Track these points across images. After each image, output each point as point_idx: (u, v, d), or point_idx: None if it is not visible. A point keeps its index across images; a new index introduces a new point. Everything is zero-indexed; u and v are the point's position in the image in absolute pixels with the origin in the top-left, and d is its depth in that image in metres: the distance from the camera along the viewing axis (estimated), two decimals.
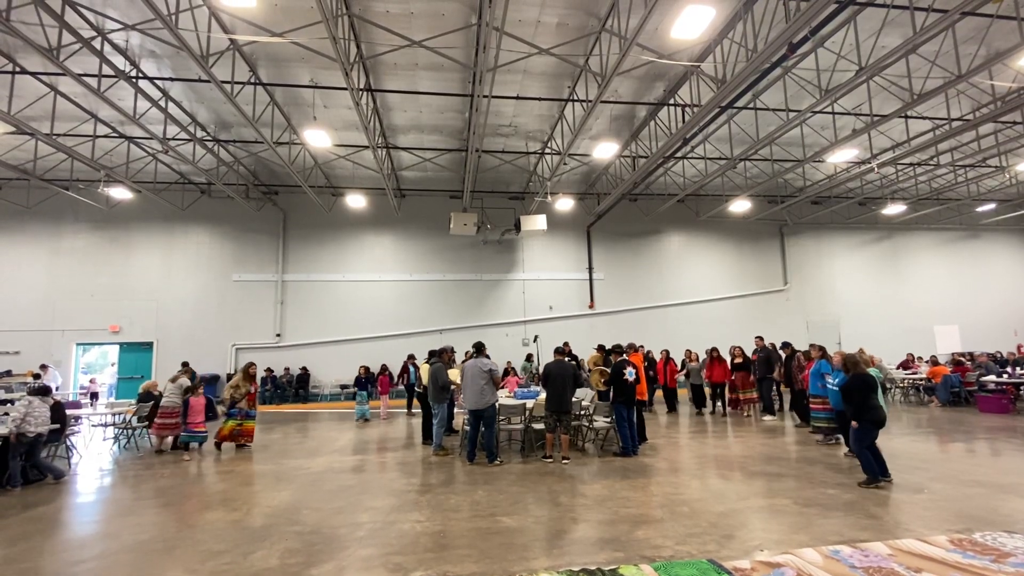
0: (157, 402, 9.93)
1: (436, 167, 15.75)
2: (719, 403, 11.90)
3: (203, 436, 8.73)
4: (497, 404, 7.43)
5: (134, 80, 9.47)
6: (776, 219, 19.34)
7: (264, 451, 8.62)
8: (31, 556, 4.29)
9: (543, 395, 7.70)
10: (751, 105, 11.89)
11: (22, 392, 10.58)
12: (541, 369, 11.21)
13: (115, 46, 9.37)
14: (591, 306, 18.18)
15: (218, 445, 8.84)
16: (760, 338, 11.53)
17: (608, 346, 9.30)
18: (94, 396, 13.68)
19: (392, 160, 15.09)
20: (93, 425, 10.77)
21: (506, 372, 15.61)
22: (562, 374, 7.24)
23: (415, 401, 12.30)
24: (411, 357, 13.05)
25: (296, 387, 16.16)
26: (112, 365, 16.64)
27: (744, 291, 19.12)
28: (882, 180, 17.31)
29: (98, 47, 8.82)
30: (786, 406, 11.42)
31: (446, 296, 17.55)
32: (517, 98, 11.64)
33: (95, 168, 12.37)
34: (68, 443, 8.00)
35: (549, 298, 18.05)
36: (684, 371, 12.85)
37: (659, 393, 13.23)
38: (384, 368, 13.95)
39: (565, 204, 16.77)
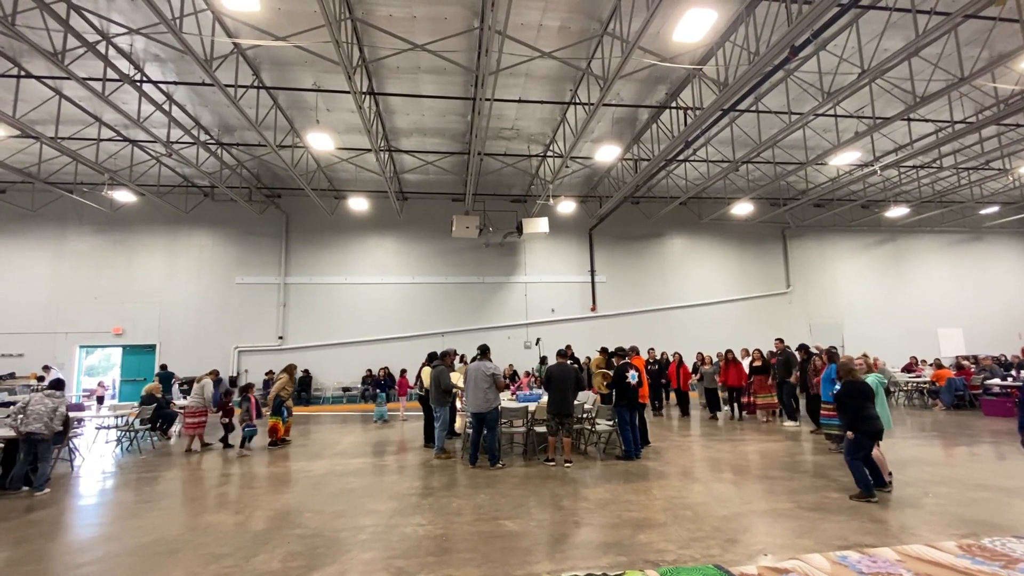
0: (160, 405, 9.98)
1: (438, 170, 15.78)
2: (735, 407, 11.63)
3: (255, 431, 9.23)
4: (500, 407, 7.42)
5: (138, 84, 9.51)
6: (779, 222, 19.32)
7: (266, 454, 8.62)
8: (34, 559, 4.28)
9: (545, 398, 7.68)
10: (753, 108, 11.89)
11: (25, 394, 10.60)
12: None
13: (120, 50, 9.43)
14: (593, 309, 18.16)
15: (275, 443, 9.22)
16: (780, 340, 11.12)
17: (611, 349, 9.29)
18: (100, 400, 13.66)
19: (394, 163, 15.12)
20: (97, 428, 10.78)
21: (513, 375, 15.59)
22: (564, 377, 7.23)
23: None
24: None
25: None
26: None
27: (747, 294, 19.08)
28: (885, 183, 17.28)
29: (103, 51, 8.87)
30: (802, 410, 11.29)
31: (448, 299, 17.56)
32: (519, 101, 11.66)
33: (99, 171, 12.43)
34: (71, 445, 8.01)
35: (551, 301, 18.04)
36: (698, 375, 12.62)
37: (672, 397, 13.15)
38: (403, 371, 13.97)
39: (567, 207, 16.78)
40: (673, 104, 11.86)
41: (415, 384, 13.64)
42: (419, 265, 17.63)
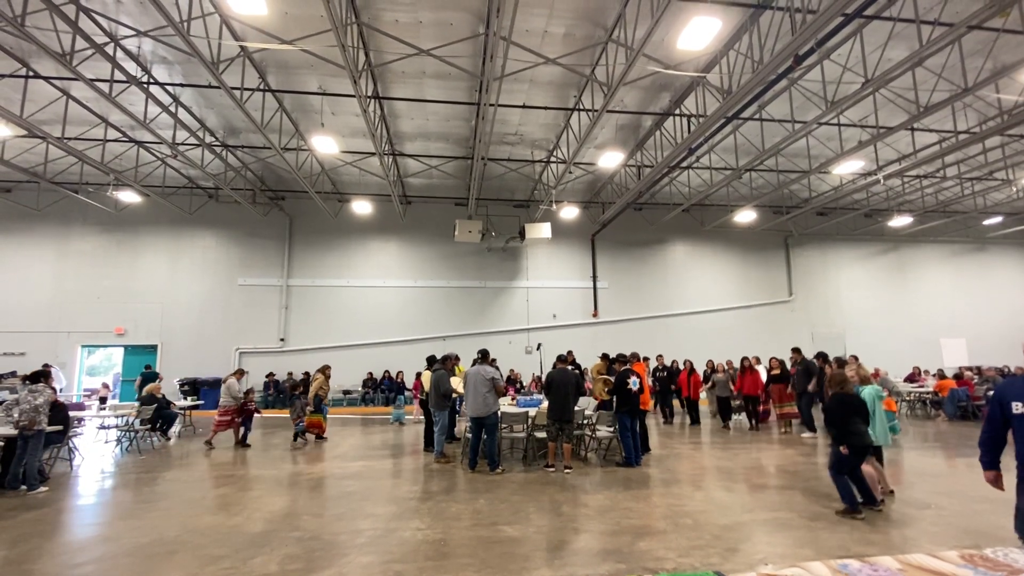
0: (160, 405, 9.99)
1: (442, 174, 15.83)
2: (753, 418, 11.12)
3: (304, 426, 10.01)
4: (499, 412, 7.40)
5: (145, 86, 9.59)
6: (781, 230, 19.30)
7: (265, 455, 8.60)
8: (31, 558, 4.27)
9: (545, 403, 7.66)
10: (757, 116, 11.91)
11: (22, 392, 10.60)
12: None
13: (127, 52, 9.51)
14: (595, 315, 18.14)
15: (320, 437, 10.02)
16: (797, 350, 10.82)
17: (612, 355, 9.26)
18: (103, 400, 13.63)
19: (398, 167, 15.18)
20: (98, 427, 10.79)
21: (510, 380, 15.57)
22: (565, 382, 7.21)
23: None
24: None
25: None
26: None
27: (749, 302, 19.04)
28: (888, 192, 17.28)
29: (111, 53, 8.94)
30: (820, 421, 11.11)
31: (450, 303, 17.57)
32: (523, 107, 11.71)
33: (104, 172, 12.50)
34: (71, 444, 8.01)
35: (553, 306, 18.03)
36: (710, 383, 12.26)
37: (674, 405, 13.01)
38: (418, 374, 13.99)
39: (570, 212, 16.81)
40: (677, 111, 11.89)
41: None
42: (421, 269, 17.66)
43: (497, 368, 8.35)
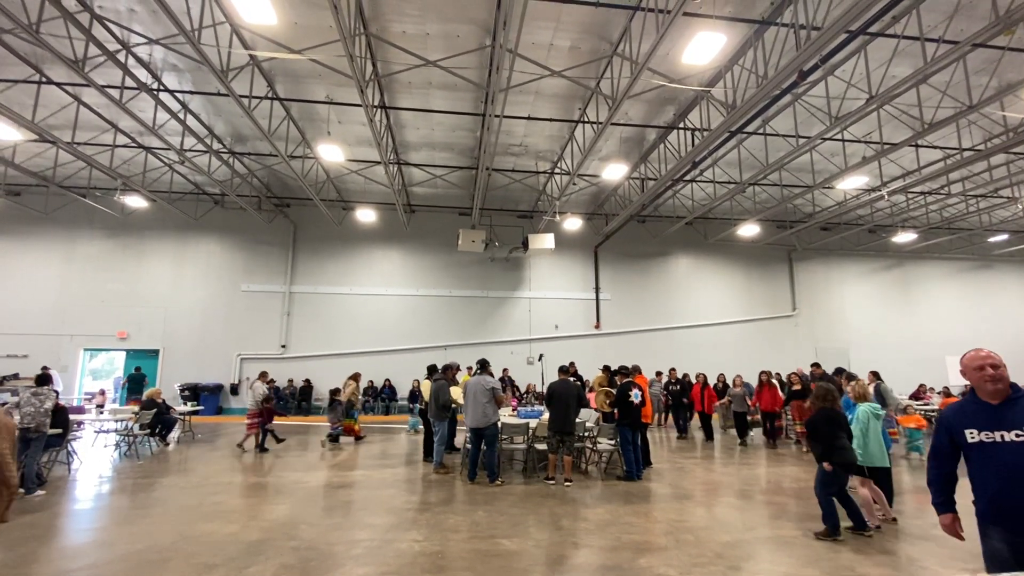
0: (160, 410, 9.96)
1: (446, 184, 15.91)
2: (770, 435, 10.72)
3: (341, 430, 10.80)
4: (499, 423, 7.35)
5: (155, 93, 9.70)
6: (785, 244, 19.28)
7: (263, 463, 8.55)
8: (26, 562, 4.24)
9: (546, 415, 7.61)
10: (761, 130, 11.96)
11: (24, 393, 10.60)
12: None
13: (139, 59, 9.63)
14: (597, 326, 18.09)
15: (358, 438, 10.91)
16: (816, 365, 10.56)
17: (614, 367, 9.21)
18: (100, 408, 13.59)
19: (403, 176, 15.26)
20: (96, 431, 10.76)
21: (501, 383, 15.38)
22: (566, 394, 7.16)
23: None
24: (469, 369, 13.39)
25: (299, 399, 16.11)
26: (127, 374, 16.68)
27: (752, 315, 18.96)
28: (892, 208, 17.26)
29: (122, 60, 9.06)
30: None
31: (452, 312, 17.55)
32: (528, 118, 11.79)
33: (112, 176, 12.62)
34: (69, 448, 7.98)
35: (555, 317, 17.99)
36: (726, 397, 11.92)
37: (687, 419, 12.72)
38: (417, 383, 13.91)
39: (573, 224, 16.83)
40: (681, 125, 11.95)
41: (409, 397, 13.60)
42: (424, 277, 17.67)
43: (510, 381, 8.29)
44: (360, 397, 11.24)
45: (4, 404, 9.98)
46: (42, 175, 12.86)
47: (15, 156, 13.35)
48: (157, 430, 9.97)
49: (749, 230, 17.00)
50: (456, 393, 8.37)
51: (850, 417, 5.42)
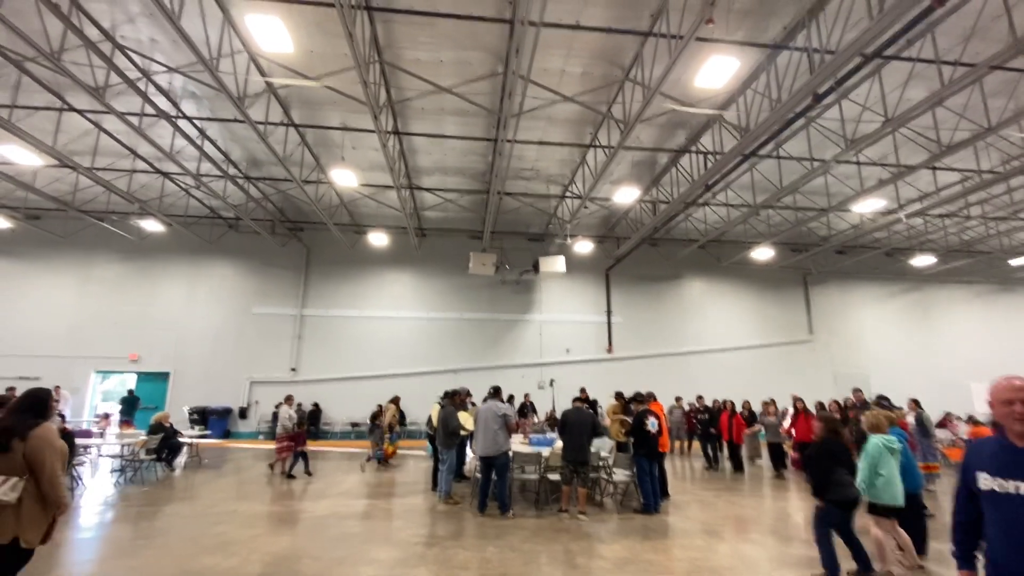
0: (167, 435, 9.85)
1: (457, 208, 15.96)
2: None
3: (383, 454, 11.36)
4: (511, 452, 7.12)
5: (174, 119, 9.89)
6: (800, 268, 18.98)
7: (268, 491, 8.35)
8: None
9: (559, 443, 7.37)
10: (774, 154, 11.86)
11: None
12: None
13: (158, 87, 9.85)
14: (609, 350, 17.80)
15: (385, 461, 11.26)
16: (859, 390, 9.95)
17: (627, 393, 8.96)
18: (101, 435, 13.49)
19: (415, 200, 15.35)
20: (99, 455, 10.65)
21: (523, 408, 15.04)
22: (580, 422, 6.94)
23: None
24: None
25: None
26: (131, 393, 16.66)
27: (767, 340, 18.57)
28: (910, 231, 16.97)
29: (143, 88, 9.27)
30: None
31: (462, 335, 17.40)
32: (540, 143, 11.83)
33: (130, 201, 12.81)
34: (73, 473, 7.87)
35: (566, 340, 17.76)
36: (756, 425, 11.41)
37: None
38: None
39: (584, 247, 16.75)
40: (693, 148, 11.91)
41: (426, 423, 13.31)
42: (434, 300, 17.60)
43: (531, 407, 8.07)
44: (398, 421, 11.76)
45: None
46: (61, 200, 13.10)
47: (36, 181, 13.65)
48: (164, 455, 9.85)
49: (763, 253, 16.78)
50: (465, 419, 8.17)
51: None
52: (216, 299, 16.74)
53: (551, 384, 15.57)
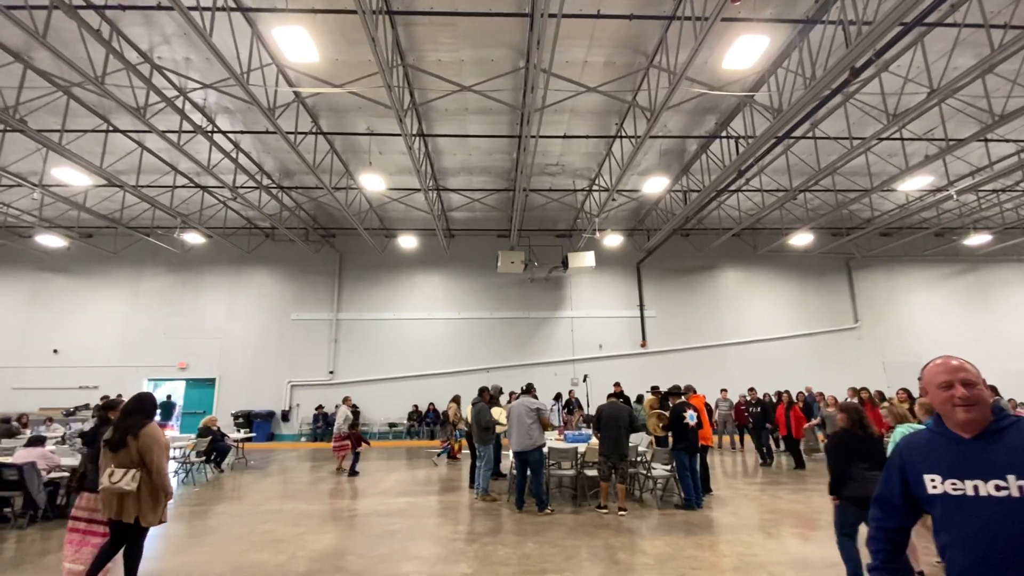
0: (215, 437, 10.25)
1: (484, 207, 16.01)
2: None
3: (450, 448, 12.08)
4: (545, 448, 7.07)
5: (210, 134, 10.27)
6: (842, 252, 18.19)
7: (312, 489, 8.57)
8: None
9: (595, 439, 7.28)
10: (810, 134, 11.40)
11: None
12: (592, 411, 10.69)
13: (194, 104, 10.25)
14: (643, 345, 17.51)
15: (453, 457, 11.98)
16: (905, 390, 9.02)
17: (663, 388, 8.77)
18: None
19: (442, 201, 15.48)
20: None
21: (569, 404, 14.95)
22: (616, 417, 6.83)
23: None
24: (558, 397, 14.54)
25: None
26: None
27: (810, 329, 17.88)
28: (961, 209, 16.03)
29: (179, 105, 9.66)
30: None
31: (493, 334, 17.45)
32: (564, 137, 11.73)
33: (173, 215, 13.39)
34: None
35: (598, 336, 17.57)
36: (817, 419, 10.85)
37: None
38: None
39: (614, 240, 16.52)
40: (724, 133, 11.57)
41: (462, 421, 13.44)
42: (465, 301, 17.72)
43: (577, 402, 8.01)
44: (461, 418, 12.01)
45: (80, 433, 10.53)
46: (111, 217, 13.81)
47: (87, 200, 14.43)
48: (212, 457, 10.25)
49: (802, 239, 16.14)
50: (498, 415, 8.18)
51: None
52: (256, 307, 17.32)
53: (584, 380, 15.42)
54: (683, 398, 7.43)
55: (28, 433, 9.72)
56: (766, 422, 11.28)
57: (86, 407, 14.93)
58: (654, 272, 18.10)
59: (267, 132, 11.32)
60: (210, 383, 16.75)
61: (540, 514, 6.66)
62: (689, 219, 16.57)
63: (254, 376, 16.67)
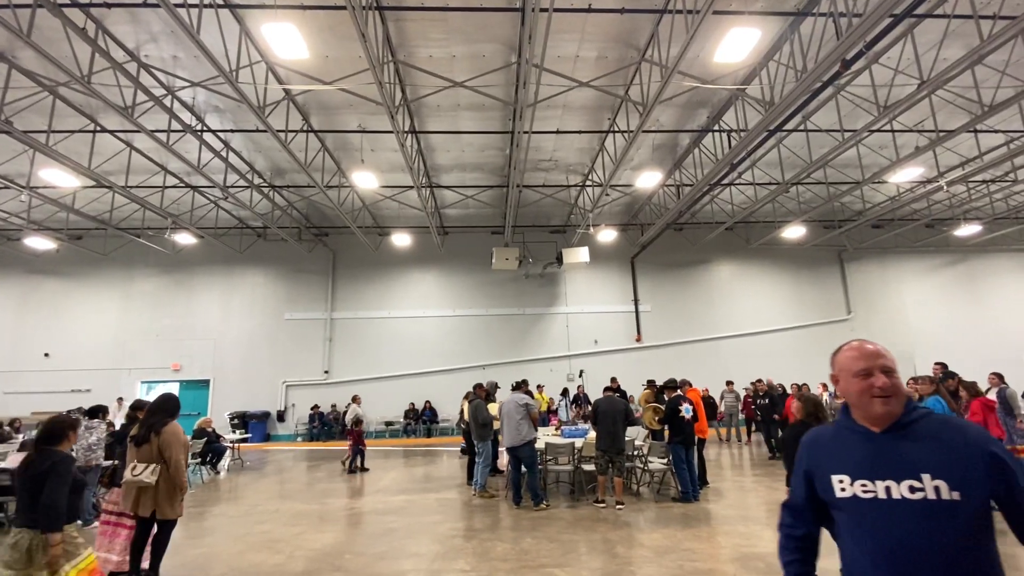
0: (210, 439, 10.19)
1: (478, 204, 15.97)
2: None
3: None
4: (536, 443, 7.08)
5: (199, 133, 10.16)
6: (834, 244, 18.31)
7: (310, 489, 8.55)
8: None
9: (592, 434, 7.30)
10: (801, 127, 11.44)
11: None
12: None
13: (183, 103, 10.14)
14: (638, 339, 17.57)
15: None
16: (941, 364, 8.23)
17: (658, 382, 8.81)
18: None
19: (435, 199, 15.42)
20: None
21: (576, 399, 15.00)
22: (613, 411, 6.85)
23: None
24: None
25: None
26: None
27: (803, 322, 18.00)
28: (952, 199, 16.15)
29: (168, 104, 9.55)
30: None
31: (489, 331, 17.44)
32: (557, 132, 11.71)
33: (163, 216, 13.26)
34: None
35: (594, 331, 17.60)
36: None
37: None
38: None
39: (608, 235, 16.54)
40: (716, 127, 11.59)
41: (459, 418, 13.48)
42: (460, 298, 17.69)
43: (585, 397, 8.02)
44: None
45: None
46: (100, 219, 13.66)
47: (75, 202, 14.25)
48: (208, 458, 10.19)
49: (794, 232, 16.23)
50: (494, 411, 8.19)
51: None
52: (249, 307, 17.21)
53: (580, 376, 15.47)
54: (679, 391, 7.45)
55: (20, 438, 9.64)
56: (774, 414, 11.28)
57: (79, 410, 14.79)
58: (648, 267, 18.15)
59: (257, 131, 11.21)
60: (204, 384, 16.64)
61: (536, 509, 6.67)
62: (682, 213, 16.60)
63: (248, 377, 16.58)
